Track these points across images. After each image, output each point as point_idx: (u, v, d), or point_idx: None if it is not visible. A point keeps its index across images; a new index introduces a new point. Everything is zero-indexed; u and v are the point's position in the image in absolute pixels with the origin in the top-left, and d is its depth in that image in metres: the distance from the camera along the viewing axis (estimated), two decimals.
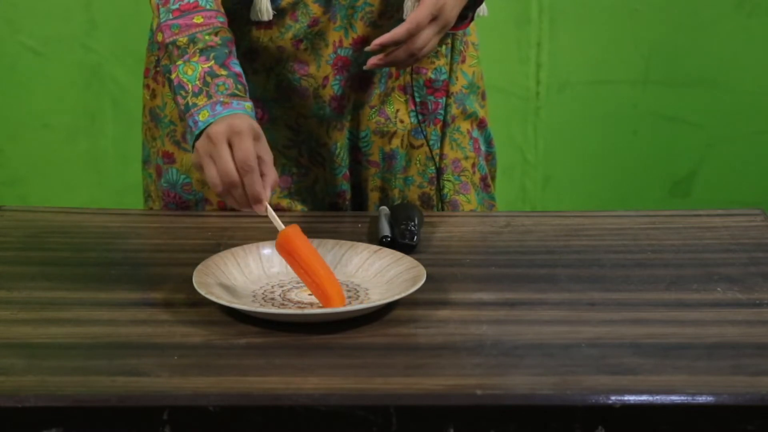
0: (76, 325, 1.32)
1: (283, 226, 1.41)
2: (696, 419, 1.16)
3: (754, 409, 1.16)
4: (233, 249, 1.47)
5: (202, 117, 1.47)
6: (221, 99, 1.48)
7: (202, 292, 1.34)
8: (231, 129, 1.43)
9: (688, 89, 2.98)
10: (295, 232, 1.39)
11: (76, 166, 2.97)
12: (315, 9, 1.64)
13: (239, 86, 1.50)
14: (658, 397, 1.16)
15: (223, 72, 1.50)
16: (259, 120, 1.70)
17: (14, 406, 1.14)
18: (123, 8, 2.82)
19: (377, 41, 1.52)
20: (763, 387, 1.18)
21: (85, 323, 1.33)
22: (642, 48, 2.96)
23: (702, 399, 1.16)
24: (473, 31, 1.79)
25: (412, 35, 1.52)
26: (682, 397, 1.16)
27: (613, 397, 1.15)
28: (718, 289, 1.42)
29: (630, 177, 3.04)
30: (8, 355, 1.25)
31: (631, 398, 1.16)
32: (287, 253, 1.39)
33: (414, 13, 1.52)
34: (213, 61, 1.51)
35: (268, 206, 1.42)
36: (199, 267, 1.41)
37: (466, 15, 1.62)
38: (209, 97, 1.48)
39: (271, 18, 1.63)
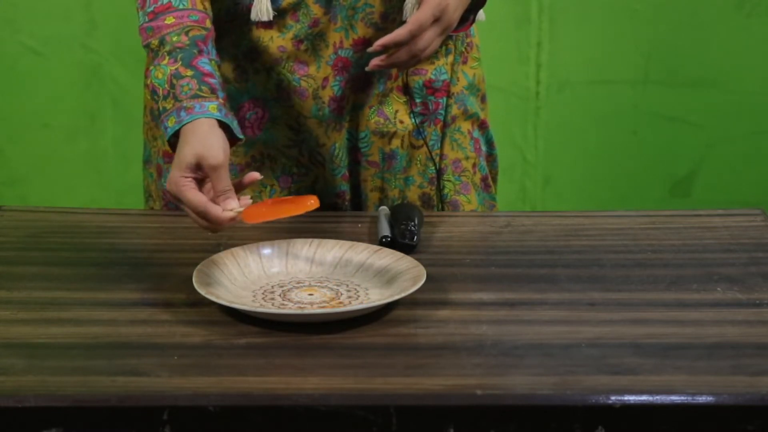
0: (76, 325, 1.32)
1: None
2: (696, 419, 1.16)
3: (754, 409, 1.16)
4: (233, 249, 1.47)
5: (170, 123, 1.48)
6: (185, 104, 1.48)
7: (202, 292, 1.34)
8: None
9: (688, 89, 2.98)
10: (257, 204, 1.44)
11: (76, 166, 2.97)
12: (316, 10, 1.64)
13: (203, 87, 1.49)
14: (658, 397, 1.16)
15: (189, 72, 1.50)
16: (260, 119, 1.70)
17: (14, 406, 1.14)
18: (123, 8, 2.82)
19: (379, 42, 1.52)
20: (763, 387, 1.18)
21: (85, 323, 1.33)
22: (642, 48, 2.96)
23: (702, 399, 1.16)
24: (476, 33, 1.79)
25: (414, 36, 1.51)
26: (682, 397, 1.16)
27: (613, 397, 1.15)
28: (718, 289, 1.42)
29: (630, 177, 3.04)
30: (8, 355, 1.25)
31: (631, 398, 1.16)
32: (255, 215, 1.42)
33: (416, 14, 1.52)
34: (180, 63, 1.50)
35: (239, 209, 1.43)
36: (199, 267, 1.41)
37: (467, 17, 1.62)
38: (176, 99, 1.48)
39: (271, 18, 1.63)
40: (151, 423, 1.15)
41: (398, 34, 1.52)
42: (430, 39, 1.53)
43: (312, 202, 1.43)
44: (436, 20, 1.52)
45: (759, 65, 2.98)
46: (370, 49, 1.54)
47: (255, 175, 1.46)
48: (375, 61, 1.54)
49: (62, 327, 1.32)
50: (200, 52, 1.52)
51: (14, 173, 2.97)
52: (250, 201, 1.44)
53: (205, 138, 1.44)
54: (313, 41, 1.66)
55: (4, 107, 2.92)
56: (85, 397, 1.16)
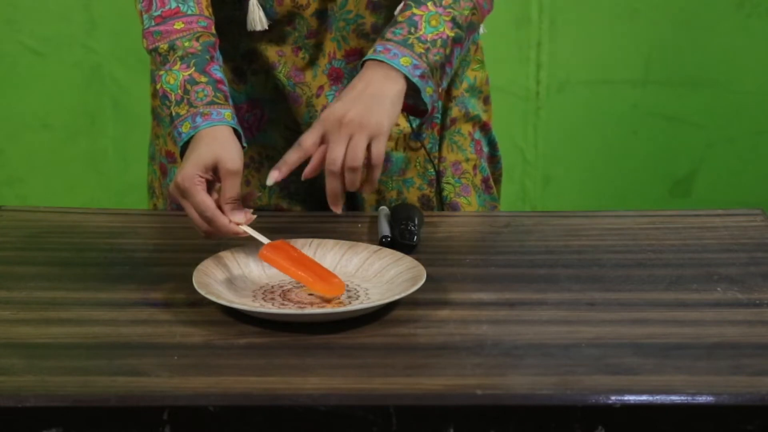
0: (76, 325, 1.32)
1: (266, 240, 1.42)
2: (696, 419, 1.16)
3: (754, 409, 1.16)
4: (233, 249, 1.47)
5: (185, 129, 1.48)
6: (201, 110, 1.48)
7: (202, 292, 1.34)
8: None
9: (688, 89, 2.98)
10: (281, 244, 1.42)
11: (76, 166, 2.97)
12: (312, 21, 1.64)
13: (219, 94, 1.50)
14: (658, 397, 1.16)
15: (203, 79, 1.50)
16: (258, 120, 1.70)
17: (14, 406, 1.14)
18: (123, 8, 2.82)
19: (278, 173, 1.47)
20: (763, 387, 1.18)
21: (85, 323, 1.33)
22: (642, 48, 2.96)
23: (702, 399, 1.16)
24: (479, 35, 1.78)
25: (301, 159, 1.46)
26: (682, 397, 1.16)
27: (613, 397, 1.15)
28: (718, 289, 1.42)
29: (630, 177, 3.04)
30: (8, 355, 1.25)
31: (631, 398, 1.16)
32: (274, 259, 1.41)
33: (302, 136, 1.47)
34: (193, 69, 1.51)
35: (246, 228, 1.42)
36: (199, 267, 1.41)
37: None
38: (190, 105, 1.48)
39: (266, 27, 1.63)
40: (151, 423, 1.15)
41: (287, 157, 1.47)
42: (343, 148, 1.44)
43: (338, 294, 1.39)
44: (334, 131, 1.45)
45: (759, 65, 2.98)
46: (269, 183, 1.47)
47: (253, 193, 1.46)
48: (335, 203, 1.47)
49: (62, 327, 1.32)
50: (212, 58, 1.52)
51: (14, 173, 2.97)
52: (254, 216, 1.44)
53: (225, 143, 1.45)
54: (310, 50, 1.65)
55: (4, 107, 2.92)
56: (85, 397, 1.16)
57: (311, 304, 1.37)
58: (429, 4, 1.54)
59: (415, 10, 1.54)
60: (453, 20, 1.54)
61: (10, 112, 2.93)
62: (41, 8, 2.87)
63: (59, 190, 2.97)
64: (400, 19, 1.55)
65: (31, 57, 2.89)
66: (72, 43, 2.89)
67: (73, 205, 2.56)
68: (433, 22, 1.53)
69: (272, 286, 1.43)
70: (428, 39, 1.53)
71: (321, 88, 1.66)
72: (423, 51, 1.52)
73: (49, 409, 1.15)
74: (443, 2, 1.55)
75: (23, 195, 2.97)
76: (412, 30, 1.53)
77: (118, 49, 2.87)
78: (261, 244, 1.43)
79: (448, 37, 1.53)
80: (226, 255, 1.46)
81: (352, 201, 1.74)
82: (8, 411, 1.15)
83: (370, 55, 1.52)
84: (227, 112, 1.49)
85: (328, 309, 1.35)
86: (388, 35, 1.53)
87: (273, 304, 1.37)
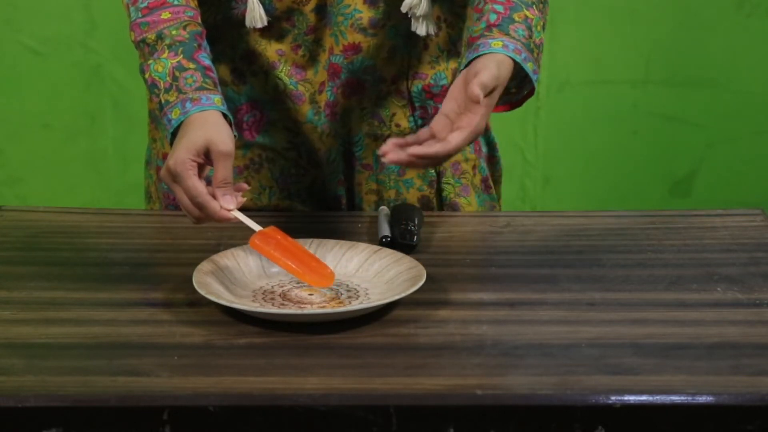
0: (76, 325, 1.32)
1: (257, 227, 1.42)
2: (696, 419, 1.16)
3: (754, 409, 1.16)
4: (233, 249, 1.47)
5: (174, 115, 1.48)
6: (190, 95, 1.48)
7: (202, 292, 1.34)
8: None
9: (688, 89, 2.98)
10: (272, 231, 1.42)
11: (76, 166, 2.97)
12: (311, 17, 1.64)
13: (207, 80, 1.50)
14: (658, 397, 1.16)
15: (191, 65, 1.50)
16: (258, 122, 1.69)
17: (14, 406, 1.14)
18: (123, 8, 2.82)
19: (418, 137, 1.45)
20: (763, 387, 1.18)
21: (85, 323, 1.33)
22: (642, 48, 2.96)
23: (702, 399, 1.16)
24: None
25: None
26: (682, 397, 1.16)
27: (613, 397, 1.15)
28: (718, 289, 1.42)
29: (630, 177, 3.04)
30: (8, 355, 1.25)
31: (631, 398, 1.16)
32: (263, 248, 1.41)
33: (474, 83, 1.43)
34: (181, 56, 1.51)
35: (237, 213, 1.42)
36: (199, 267, 1.41)
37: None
38: (179, 92, 1.48)
39: (265, 24, 1.63)
40: (151, 423, 1.15)
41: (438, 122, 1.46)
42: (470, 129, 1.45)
43: (328, 286, 1.40)
44: (489, 93, 1.45)
45: (759, 65, 2.98)
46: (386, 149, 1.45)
47: (243, 186, 1.46)
48: (394, 157, 1.44)
49: (62, 327, 1.32)
50: (199, 46, 1.52)
51: (14, 173, 2.98)
52: (244, 199, 1.44)
53: (216, 126, 1.45)
54: (310, 47, 1.65)
55: (4, 107, 2.92)
56: (85, 397, 1.16)
57: (311, 304, 1.37)
58: (534, 8, 1.55)
59: (527, 12, 1.54)
60: (543, 26, 1.56)
61: (10, 112, 2.93)
62: (41, 8, 2.87)
63: (59, 190, 2.97)
64: (516, 18, 1.53)
65: (31, 57, 2.89)
66: (72, 43, 2.89)
67: (73, 205, 2.56)
68: (538, 27, 1.54)
69: (272, 286, 1.43)
70: (538, 44, 1.54)
71: (323, 84, 1.66)
72: (536, 56, 1.53)
73: (49, 409, 1.15)
74: (539, 7, 1.56)
75: (23, 195, 2.97)
76: (529, 34, 1.53)
77: (118, 49, 2.87)
78: (252, 232, 1.43)
79: (543, 43, 1.55)
80: (226, 255, 1.46)
81: (352, 201, 1.74)
82: (8, 411, 1.15)
83: (497, 48, 1.49)
84: (217, 98, 1.48)
85: (328, 309, 1.35)
86: (512, 32, 1.51)
87: (273, 304, 1.37)
